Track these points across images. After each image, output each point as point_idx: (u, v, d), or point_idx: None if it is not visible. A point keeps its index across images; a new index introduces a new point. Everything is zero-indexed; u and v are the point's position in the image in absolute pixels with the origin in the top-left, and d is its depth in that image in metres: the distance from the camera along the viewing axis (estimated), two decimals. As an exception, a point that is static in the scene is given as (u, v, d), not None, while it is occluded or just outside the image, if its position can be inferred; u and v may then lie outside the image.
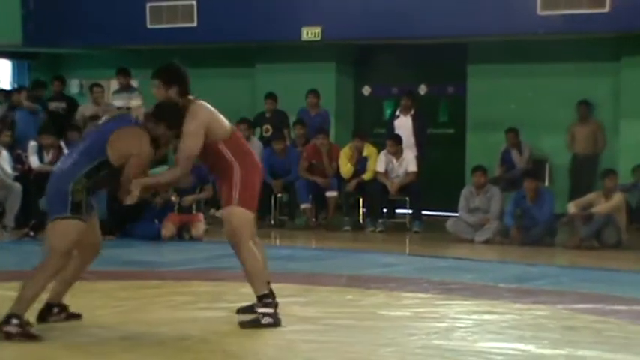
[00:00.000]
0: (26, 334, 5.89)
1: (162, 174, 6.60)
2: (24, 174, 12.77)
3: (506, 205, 12.35)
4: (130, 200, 6.20)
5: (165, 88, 6.44)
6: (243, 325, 6.39)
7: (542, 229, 11.91)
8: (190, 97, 6.53)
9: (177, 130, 6.32)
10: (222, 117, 6.60)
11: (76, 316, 6.56)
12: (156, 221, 12.11)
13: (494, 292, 8.09)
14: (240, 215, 6.49)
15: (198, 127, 6.36)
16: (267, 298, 6.46)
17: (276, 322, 6.40)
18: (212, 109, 6.55)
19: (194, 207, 12.34)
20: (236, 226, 6.48)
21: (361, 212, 13.71)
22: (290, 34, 14.68)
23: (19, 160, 13.19)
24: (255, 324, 6.36)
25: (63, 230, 6.07)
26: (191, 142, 6.34)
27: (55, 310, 6.49)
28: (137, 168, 6.21)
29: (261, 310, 6.41)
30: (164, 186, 6.56)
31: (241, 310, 6.77)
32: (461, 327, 6.60)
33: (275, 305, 6.51)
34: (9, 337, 5.85)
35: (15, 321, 5.90)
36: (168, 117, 6.29)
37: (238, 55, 15.98)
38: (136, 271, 9.04)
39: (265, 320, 6.37)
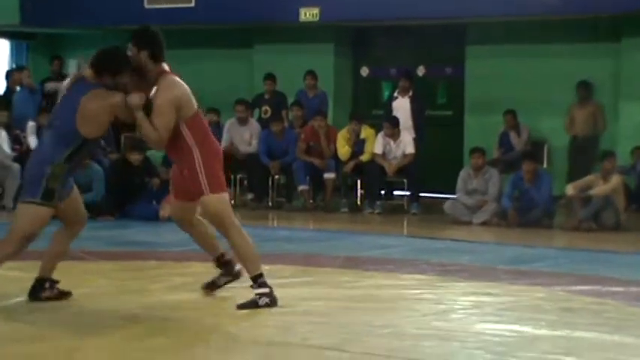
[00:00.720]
0: None
1: (147, 125, 6.24)
2: (22, 154, 12.75)
3: (504, 187, 12.35)
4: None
5: (137, 50, 6.36)
6: (241, 306, 6.38)
7: (541, 211, 11.92)
8: (165, 66, 6.39)
9: (124, 76, 6.19)
10: (191, 95, 6.41)
11: (66, 294, 6.53)
12: (154, 202, 12.11)
13: (491, 274, 8.09)
14: (216, 201, 6.41)
15: (170, 103, 6.22)
16: (261, 278, 6.44)
17: (273, 302, 6.39)
18: (185, 85, 6.40)
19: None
20: (216, 212, 6.43)
21: (359, 194, 13.72)
22: (288, 15, 14.65)
23: (17, 141, 13.17)
24: (253, 305, 6.36)
25: (32, 215, 6.06)
26: (162, 120, 6.20)
27: (47, 284, 6.47)
28: (124, 111, 6.16)
29: (258, 291, 6.40)
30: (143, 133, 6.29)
31: (205, 286, 6.82)
32: (458, 309, 6.61)
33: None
34: None
35: None
36: (106, 66, 6.19)
37: (236, 35, 15.95)
38: (135, 252, 9.03)
39: (262, 301, 6.36)
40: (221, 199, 6.44)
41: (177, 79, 6.40)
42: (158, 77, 6.32)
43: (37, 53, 16.97)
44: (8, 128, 13.12)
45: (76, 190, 6.39)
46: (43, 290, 6.46)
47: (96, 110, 6.09)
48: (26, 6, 15.95)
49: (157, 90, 6.25)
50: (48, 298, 6.41)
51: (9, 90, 15.04)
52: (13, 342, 5.41)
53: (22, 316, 6.09)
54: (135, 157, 11.93)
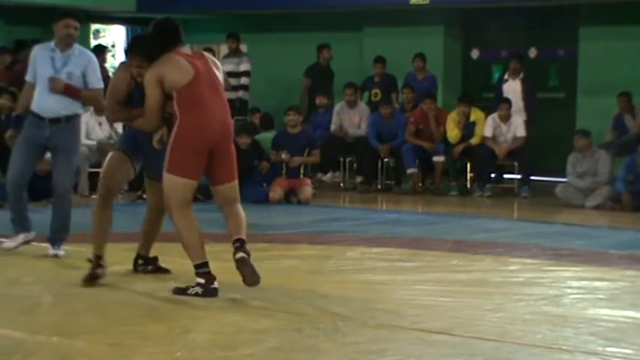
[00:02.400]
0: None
1: (135, 111, 6.40)
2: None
3: (616, 171, 12.11)
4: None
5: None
6: (175, 291, 6.22)
7: (656, 195, 11.65)
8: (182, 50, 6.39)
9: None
10: (184, 65, 6.20)
11: (164, 271, 6.79)
12: (264, 184, 12.23)
13: (605, 259, 7.95)
14: (168, 181, 6.22)
15: (149, 82, 6.19)
16: (203, 268, 6.21)
17: (205, 294, 6.15)
18: (174, 57, 6.24)
19: (302, 171, 12.39)
20: (165, 193, 6.27)
21: (468, 177, 13.61)
22: (397, -2, 14.64)
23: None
24: (183, 292, 6.17)
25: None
26: (146, 101, 6.23)
27: (140, 261, 6.81)
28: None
29: (196, 279, 6.21)
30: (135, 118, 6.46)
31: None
32: (570, 293, 6.51)
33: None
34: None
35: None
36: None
37: (346, 19, 15.94)
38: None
39: (192, 291, 6.16)
40: (173, 182, 6.19)
41: (172, 55, 6.26)
42: None
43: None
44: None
45: None
46: (137, 265, 6.81)
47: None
48: (143, -8, 16.23)
49: None
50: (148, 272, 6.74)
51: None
52: (126, 322, 5.53)
53: (139, 297, 6.21)
54: (243, 141, 12.04)
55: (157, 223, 6.83)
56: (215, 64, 6.46)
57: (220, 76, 6.41)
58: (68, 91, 7.68)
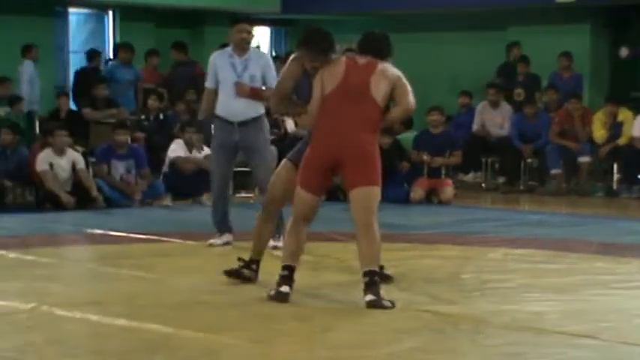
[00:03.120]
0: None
1: (299, 107, 6.38)
2: (280, 138, 13.12)
3: None
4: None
5: None
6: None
7: None
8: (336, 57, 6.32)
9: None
10: (338, 72, 6.11)
11: (387, 277, 6.56)
12: (405, 185, 12.23)
13: None
14: (295, 193, 6.14)
15: (317, 76, 6.17)
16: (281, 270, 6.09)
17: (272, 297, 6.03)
18: (339, 62, 6.19)
19: (443, 172, 12.35)
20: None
21: (615, 178, 13.33)
22: (543, -3, 14.45)
23: (275, 125, 13.58)
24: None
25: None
26: (313, 92, 6.16)
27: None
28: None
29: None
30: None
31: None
32: None
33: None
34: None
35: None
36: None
37: (490, 18, 15.80)
38: (385, 234, 9.11)
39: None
40: (298, 195, 6.11)
41: (341, 60, 6.22)
42: None
43: (296, 40, 17.40)
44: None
45: None
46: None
47: None
48: (287, -7, 16.43)
49: None
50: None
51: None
52: (268, 319, 5.63)
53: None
54: (385, 141, 12.07)
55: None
56: (383, 73, 6.13)
57: (384, 87, 6.09)
58: (253, 93, 7.93)
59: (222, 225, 8.34)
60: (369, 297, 5.83)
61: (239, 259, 6.65)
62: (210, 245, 8.26)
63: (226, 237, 8.33)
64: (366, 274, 5.89)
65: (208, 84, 8.25)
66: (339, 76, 6.12)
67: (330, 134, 6.02)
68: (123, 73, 14.02)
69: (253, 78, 8.06)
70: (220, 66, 8.14)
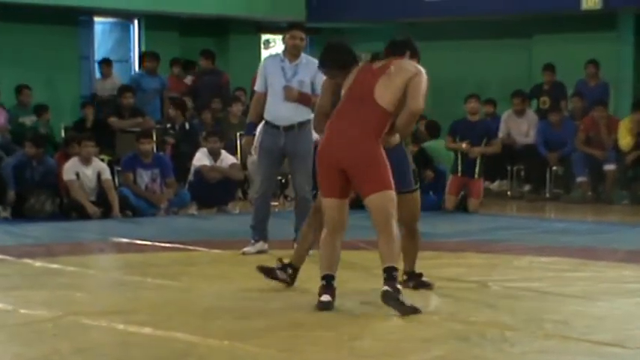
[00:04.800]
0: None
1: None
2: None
3: None
4: None
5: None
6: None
7: None
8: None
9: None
10: (350, 78, 6.15)
11: (427, 285, 6.67)
12: (430, 192, 12.19)
13: None
14: (322, 203, 6.21)
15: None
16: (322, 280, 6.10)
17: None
18: (353, 72, 6.20)
19: (477, 170, 12.12)
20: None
21: (641, 186, 13.26)
22: (569, 3, 14.38)
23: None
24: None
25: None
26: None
27: (404, 277, 6.59)
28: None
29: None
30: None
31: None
32: None
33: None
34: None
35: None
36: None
37: (516, 26, 15.77)
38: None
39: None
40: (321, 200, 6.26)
41: (356, 68, 6.23)
42: None
43: (322, 48, 17.41)
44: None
45: None
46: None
47: None
48: (312, 2, 16.44)
49: None
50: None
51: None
52: (295, 327, 5.63)
53: (307, 302, 6.30)
54: (410, 149, 12.03)
55: (410, 239, 6.63)
56: (398, 69, 6.05)
57: (395, 86, 5.99)
58: (301, 97, 7.98)
59: (259, 231, 8.32)
60: (384, 287, 5.85)
61: (279, 259, 6.71)
62: (244, 254, 8.24)
63: (260, 245, 8.30)
64: (385, 270, 5.91)
65: (258, 87, 8.32)
66: (349, 83, 6.17)
67: (330, 137, 6.04)
68: (149, 82, 14.08)
69: (302, 83, 8.13)
70: (271, 70, 8.22)
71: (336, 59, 6.32)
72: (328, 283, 6.06)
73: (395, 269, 5.92)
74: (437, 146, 12.80)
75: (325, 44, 6.56)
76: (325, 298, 6.02)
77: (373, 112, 6.00)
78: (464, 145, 12.05)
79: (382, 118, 6.01)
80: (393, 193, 5.99)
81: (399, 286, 5.89)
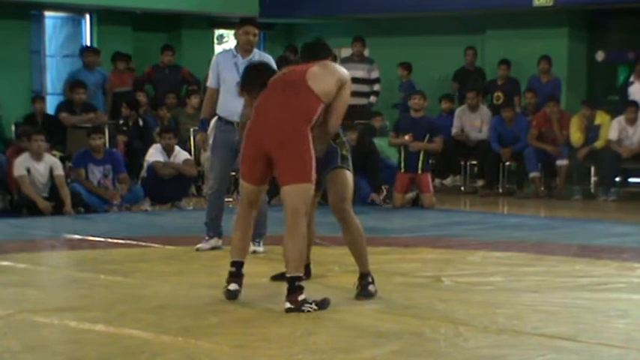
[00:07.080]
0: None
1: None
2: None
3: None
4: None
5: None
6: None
7: None
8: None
9: None
10: (282, 72, 6.23)
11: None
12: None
13: None
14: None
15: None
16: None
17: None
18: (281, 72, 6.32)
19: (420, 165, 12.07)
20: None
21: (592, 181, 13.38)
22: (522, 0, 14.46)
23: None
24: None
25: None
26: None
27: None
28: None
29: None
30: None
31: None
32: (699, 301, 6.35)
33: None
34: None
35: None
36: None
37: (468, 22, 15.83)
38: (366, 237, 9.12)
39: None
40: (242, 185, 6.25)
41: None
42: None
43: (274, 43, 17.38)
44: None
45: None
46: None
47: None
48: (265, -3, 16.42)
49: None
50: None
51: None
52: (248, 324, 5.60)
53: (260, 299, 6.27)
54: (349, 136, 11.96)
55: (346, 229, 6.50)
56: (335, 68, 6.11)
57: (323, 85, 5.99)
58: None
59: (213, 228, 8.29)
60: (286, 305, 5.80)
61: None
62: (198, 250, 8.21)
63: (214, 241, 8.29)
64: (288, 280, 5.86)
65: (210, 84, 8.28)
66: (273, 79, 6.17)
67: (258, 118, 5.97)
68: (88, 76, 13.93)
69: None
70: (223, 66, 8.17)
71: (258, 80, 6.32)
72: (238, 271, 6.10)
73: (298, 278, 5.85)
74: (383, 143, 12.78)
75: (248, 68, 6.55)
76: (233, 287, 6.05)
77: (306, 97, 5.91)
78: (407, 137, 12.03)
79: (314, 104, 5.92)
80: (309, 186, 5.86)
81: (301, 297, 5.82)
